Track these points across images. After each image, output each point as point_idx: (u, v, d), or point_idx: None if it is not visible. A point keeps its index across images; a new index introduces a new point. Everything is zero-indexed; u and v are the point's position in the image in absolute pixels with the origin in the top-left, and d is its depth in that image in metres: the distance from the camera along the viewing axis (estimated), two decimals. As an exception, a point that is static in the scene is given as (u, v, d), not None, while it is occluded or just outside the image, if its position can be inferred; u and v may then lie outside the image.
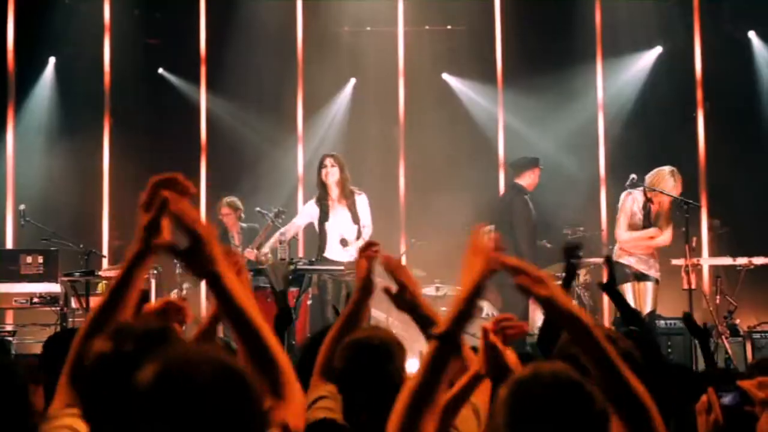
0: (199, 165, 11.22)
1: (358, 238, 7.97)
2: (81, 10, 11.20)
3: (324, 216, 8.03)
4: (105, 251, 10.19)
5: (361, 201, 8.09)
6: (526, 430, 1.77)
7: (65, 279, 8.44)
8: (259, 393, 1.45)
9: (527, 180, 8.73)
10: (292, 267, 7.37)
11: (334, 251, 7.96)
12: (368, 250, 3.03)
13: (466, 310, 1.98)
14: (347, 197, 8.02)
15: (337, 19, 11.43)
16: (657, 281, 7.77)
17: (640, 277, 7.71)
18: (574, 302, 8.22)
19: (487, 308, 8.11)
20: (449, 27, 11.51)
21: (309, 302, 8.12)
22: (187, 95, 11.48)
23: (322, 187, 8.10)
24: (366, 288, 3.01)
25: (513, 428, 1.78)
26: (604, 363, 1.94)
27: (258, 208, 9.34)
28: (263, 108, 11.20)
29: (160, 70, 11.57)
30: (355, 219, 8.01)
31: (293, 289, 7.47)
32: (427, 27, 11.52)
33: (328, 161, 8.09)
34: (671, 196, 7.76)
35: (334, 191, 8.05)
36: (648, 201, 7.75)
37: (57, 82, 11.31)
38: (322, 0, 11.45)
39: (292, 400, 1.88)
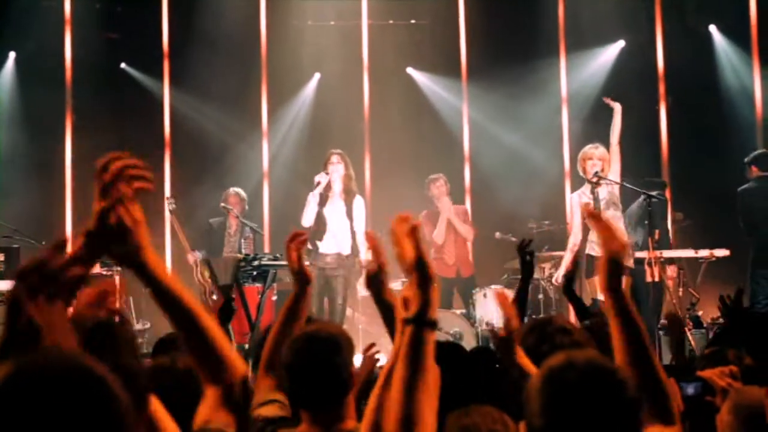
0: (163, 160, 11.15)
1: (352, 235, 8.00)
2: (41, 4, 11.08)
3: (322, 202, 8.08)
4: (69, 248, 10.07)
5: (358, 204, 8.14)
6: (561, 417, 1.77)
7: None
8: (122, 402, 1.40)
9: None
10: (241, 263, 7.31)
11: (329, 242, 7.96)
12: (295, 240, 3.00)
13: (422, 286, 1.96)
14: (348, 194, 8.07)
15: (300, 13, 11.39)
16: (630, 272, 7.77)
17: None
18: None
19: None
20: (413, 21, 11.52)
21: (274, 298, 8.09)
22: (150, 90, 11.39)
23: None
24: (302, 279, 2.99)
25: (548, 415, 1.78)
26: None
27: (223, 204, 9.30)
28: (227, 103, 11.14)
29: (123, 65, 11.47)
30: (349, 215, 8.06)
31: (257, 285, 7.43)
32: (391, 21, 11.52)
33: (334, 157, 8.16)
34: (619, 183, 7.80)
35: (337, 185, 8.09)
36: (595, 185, 7.79)
37: (17, 78, 11.17)
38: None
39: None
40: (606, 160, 7.83)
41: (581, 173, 7.89)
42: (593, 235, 7.79)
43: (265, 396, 2.81)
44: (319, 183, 8.02)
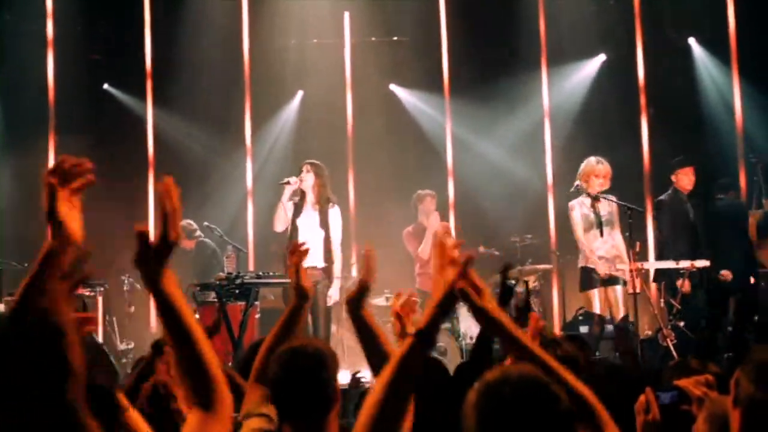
0: (147, 180, 11.14)
1: (326, 246, 7.88)
2: (23, 27, 11.07)
3: (297, 213, 8.00)
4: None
5: (334, 213, 8.04)
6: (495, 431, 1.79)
7: (9, 299, 8.31)
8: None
9: (679, 181, 8.61)
10: (224, 281, 7.25)
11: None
12: (296, 254, 3.02)
13: (441, 312, 2.03)
14: (321, 204, 7.99)
15: (283, 32, 11.43)
16: (625, 283, 7.79)
17: (607, 281, 7.73)
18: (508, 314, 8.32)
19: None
20: (395, 38, 11.57)
21: (257, 316, 8.07)
22: (133, 110, 11.40)
23: (300, 192, 8.07)
24: (301, 294, 3.01)
25: (484, 429, 1.80)
26: (542, 371, 2.01)
27: (206, 223, 9.31)
28: (211, 121, 11.17)
29: (106, 86, 11.48)
30: (323, 225, 7.96)
31: (240, 303, 7.42)
32: (373, 38, 11.57)
33: (305, 168, 8.07)
34: (613, 201, 7.84)
35: (309, 196, 8.03)
36: (594, 200, 7.83)
37: (0, 100, 11.16)
38: (268, 13, 11.45)
39: (222, 413, 1.89)
40: (609, 176, 7.89)
41: (583, 187, 7.88)
42: (591, 247, 7.78)
43: (254, 408, 2.81)
44: (288, 183, 7.93)
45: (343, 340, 8.60)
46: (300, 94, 11.60)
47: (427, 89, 11.48)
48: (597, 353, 7.39)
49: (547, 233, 10.53)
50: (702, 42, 11.19)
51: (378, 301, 8.82)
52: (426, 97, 11.55)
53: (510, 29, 11.25)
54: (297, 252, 3.03)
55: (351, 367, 7.16)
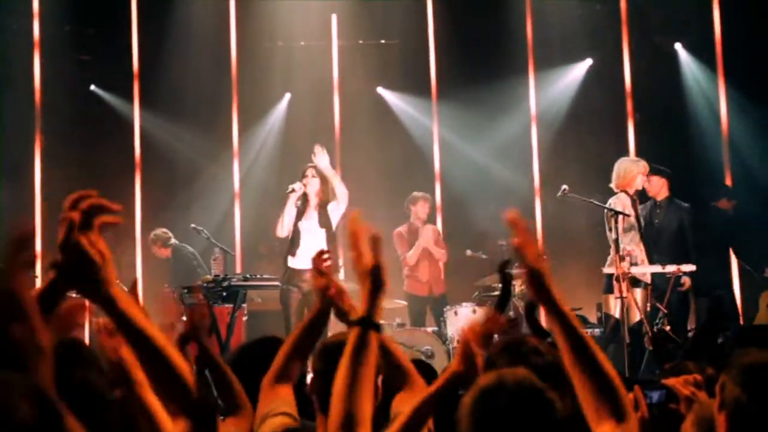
0: (133, 182, 11.10)
1: (328, 245, 7.77)
2: (10, 27, 11.02)
3: (299, 216, 7.95)
4: (38, 271, 9.99)
5: (332, 207, 7.98)
6: None
7: None
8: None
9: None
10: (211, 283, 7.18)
11: (302, 257, 7.79)
12: (320, 259, 2.99)
13: (375, 291, 2.12)
14: (324, 207, 7.94)
15: (270, 33, 11.42)
16: (646, 285, 7.76)
17: (632, 283, 7.59)
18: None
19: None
20: (383, 41, 11.58)
21: (244, 319, 8.03)
22: (120, 111, 11.36)
23: (303, 195, 8.01)
24: (325, 297, 3.01)
25: None
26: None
27: (193, 225, 9.28)
28: (198, 123, 11.13)
29: (93, 87, 11.44)
30: (324, 224, 7.90)
31: (227, 306, 7.38)
32: (360, 41, 11.58)
33: (309, 171, 8.00)
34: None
35: (313, 200, 7.97)
36: (634, 201, 7.81)
37: (-15, 100, 11.09)
38: (256, 15, 11.44)
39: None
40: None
41: (624, 188, 7.81)
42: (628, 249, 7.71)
43: (277, 407, 2.81)
44: (293, 191, 7.88)
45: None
46: (287, 96, 11.60)
47: (414, 92, 11.49)
48: None
49: (534, 237, 10.54)
50: (688, 47, 11.25)
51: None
52: (413, 101, 11.56)
53: (497, 33, 11.27)
54: (322, 258, 3.02)
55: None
